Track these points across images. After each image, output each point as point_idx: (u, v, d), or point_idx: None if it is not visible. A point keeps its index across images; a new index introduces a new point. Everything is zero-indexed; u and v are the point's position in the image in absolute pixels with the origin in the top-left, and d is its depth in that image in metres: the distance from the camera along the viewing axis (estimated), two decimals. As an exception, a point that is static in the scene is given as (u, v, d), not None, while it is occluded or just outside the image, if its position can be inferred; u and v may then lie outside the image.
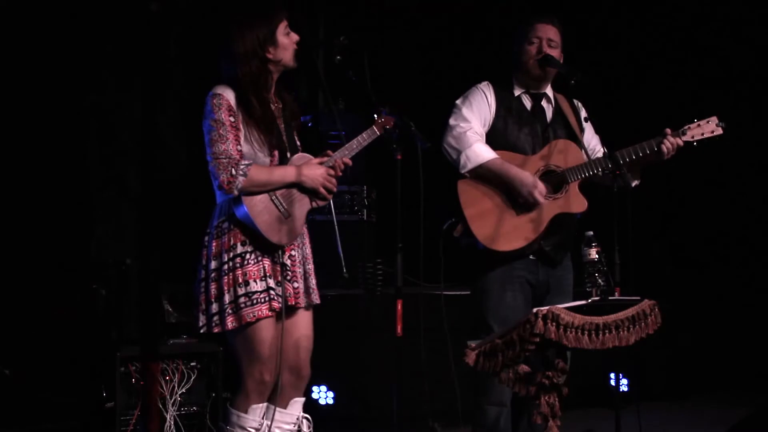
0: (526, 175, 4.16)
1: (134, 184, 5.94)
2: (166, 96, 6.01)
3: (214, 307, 3.77)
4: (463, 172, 4.17)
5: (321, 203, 3.90)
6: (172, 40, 6.10)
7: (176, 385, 5.00)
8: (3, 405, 5.19)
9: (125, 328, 5.38)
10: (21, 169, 5.61)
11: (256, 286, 3.75)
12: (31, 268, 5.56)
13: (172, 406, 4.97)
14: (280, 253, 3.83)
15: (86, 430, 5.11)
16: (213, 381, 5.06)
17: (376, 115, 3.96)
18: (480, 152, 4.16)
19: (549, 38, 4.26)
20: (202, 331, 3.85)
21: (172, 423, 4.95)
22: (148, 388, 4.89)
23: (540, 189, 4.14)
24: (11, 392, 5.23)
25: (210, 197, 3.90)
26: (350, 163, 3.92)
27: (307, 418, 3.97)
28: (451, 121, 4.25)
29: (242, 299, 3.74)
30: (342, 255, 4.17)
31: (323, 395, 5.71)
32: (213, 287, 3.79)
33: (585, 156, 4.27)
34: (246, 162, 3.74)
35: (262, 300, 3.75)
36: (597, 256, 3.58)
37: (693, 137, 4.25)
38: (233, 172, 3.71)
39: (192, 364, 5.06)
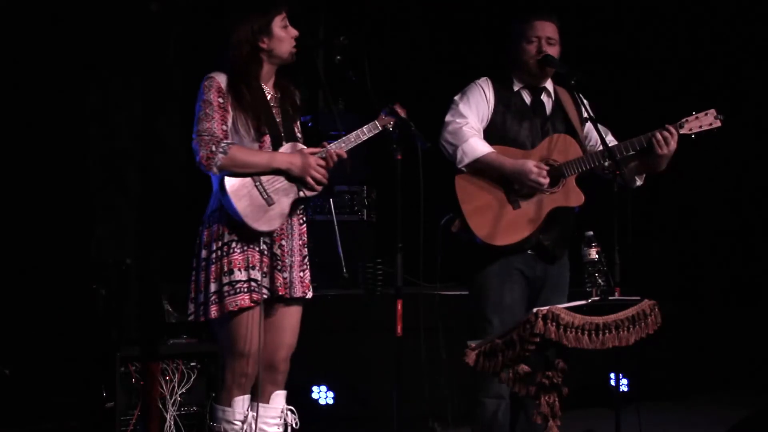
0: (523, 163, 4.15)
1: (134, 184, 5.94)
2: (166, 96, 6.01)
3: (201, 297, 3.79)
4: (460, 167, 4.17)
5: (309, 193, 3.88)
6: (172, 40, 6.11)
7: (176, 385, 5.00)
8: (3, 405, 5.19)
9: (125, 328, 5.38)
10: (21, 169, 5.61)
11: (240, 275, 3.76)
12: (31, 268, 5.56)
13: (172, 406, 4.97)
14: (269, 241, 3.83)
15: (86, 430, 5.11)
16: (213, 381, 5.06)
17: (383, 113, 3.95)
18: (476, 146, 4.16)
19: (548, 36, 4.26)
20: (190, 319, 3.86)
21: (172, 423, 4.95)
22: (148, 388, 4.92)
23: (539, 171, 4.13)
24: (11, 392, 5.23)
25: (209, 196, 3.90)
26: (345, 155, 3.91)
27: (291, 410, 3.97)
28: (447, 118, 4.26)
29: (226, 288, 3.75)
30: (342, 255, 4.16)
31: (323, 395, 5.71)
32: (202, 276, 3.80)
33: (582, 150, 4.27)
34: (228, 141, 3.75)
35: (244, 290, 3.75)
36: (597, 256, 3.58)
37: (691, 130, 4.17)
38: (213, 148, 3.72)
39: (192, 364, 5.06)
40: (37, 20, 5.67)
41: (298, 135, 3.98)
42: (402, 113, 3.96)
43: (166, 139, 5.96)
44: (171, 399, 4.97)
